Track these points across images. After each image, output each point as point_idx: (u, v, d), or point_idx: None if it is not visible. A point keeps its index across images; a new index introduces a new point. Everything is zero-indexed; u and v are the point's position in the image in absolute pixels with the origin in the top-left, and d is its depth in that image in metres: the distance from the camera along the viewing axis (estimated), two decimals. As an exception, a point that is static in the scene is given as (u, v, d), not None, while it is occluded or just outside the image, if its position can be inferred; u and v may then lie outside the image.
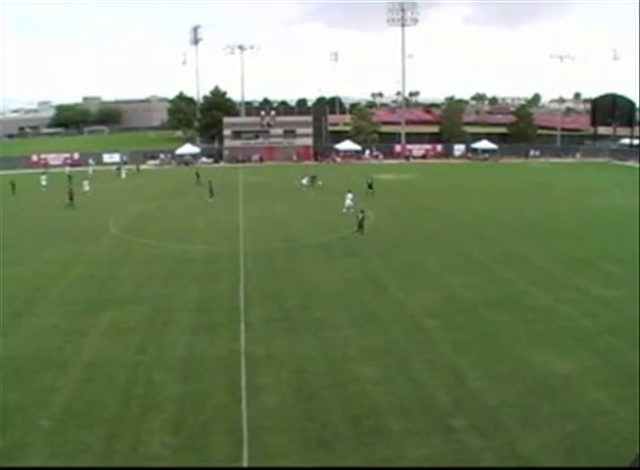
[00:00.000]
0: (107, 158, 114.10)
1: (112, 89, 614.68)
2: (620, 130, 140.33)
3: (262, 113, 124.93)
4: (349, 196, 63.70)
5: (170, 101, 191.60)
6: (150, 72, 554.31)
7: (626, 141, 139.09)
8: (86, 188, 77.64)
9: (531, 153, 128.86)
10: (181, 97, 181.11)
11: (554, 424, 22.89)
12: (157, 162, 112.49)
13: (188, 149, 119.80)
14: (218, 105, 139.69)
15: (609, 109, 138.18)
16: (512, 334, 31.72)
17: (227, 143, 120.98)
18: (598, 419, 23.26)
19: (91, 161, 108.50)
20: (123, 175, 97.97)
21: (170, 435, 21.85)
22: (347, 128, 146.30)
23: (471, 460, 20.61)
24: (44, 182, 78.80)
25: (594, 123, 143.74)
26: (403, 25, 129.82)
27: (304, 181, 73.29)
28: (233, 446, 21.18)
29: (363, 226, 54.80)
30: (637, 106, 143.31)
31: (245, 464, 20.24)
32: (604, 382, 26.29)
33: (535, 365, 27.95)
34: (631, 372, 27.14)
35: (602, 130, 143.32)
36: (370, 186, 75.85)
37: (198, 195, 76.92)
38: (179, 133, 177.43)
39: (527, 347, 30.02)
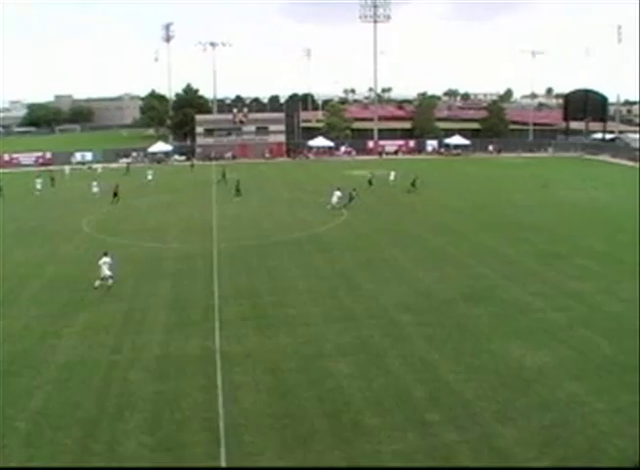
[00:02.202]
0: (79, 157, 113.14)
1: (84, 87, 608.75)
2: (592, 125, 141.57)
3: (235, 110, 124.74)
4: (337, 193, 64.13)
5: (142, 99, 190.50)
6: (122, 70, 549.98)
7: (598, 136, 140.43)
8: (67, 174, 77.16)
9: (489, 148, 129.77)
10: (153, 95, 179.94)
11: (529, 417, 23.19)
12: (129, 160, 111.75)
13: (160, 147, 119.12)
14: (190, 102, 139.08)
15: (581, 104, 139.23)
16: (486, 328, 32.04)
17: (199, 140, 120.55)
18: (574, 411, 23.60)
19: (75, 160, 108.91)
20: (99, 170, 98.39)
21: (147, 434, 21.89)
22: (320, 125, 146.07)
23: (447, 454, 20.82)
24: (95, 189, 76.80)
25: (566, 118, 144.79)
26: (375, 22, 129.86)
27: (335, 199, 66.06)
28: (210, 444, 21.25)
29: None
30: (609, 101, 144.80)
31: (222, 463, 20.32)
32: (578, 374, 26.67)
33: (510, 358, 28.27)
34: (605, 364, 27.63)
35: (574, 125, 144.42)
36: (370, 182, 77.37)
37: (165, 192, 76.74)
38: (151, 131, 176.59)
39: (502, 340, 30.33)
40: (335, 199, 63.84)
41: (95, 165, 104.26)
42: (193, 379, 26.18)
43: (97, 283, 38.19)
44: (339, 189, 65.10)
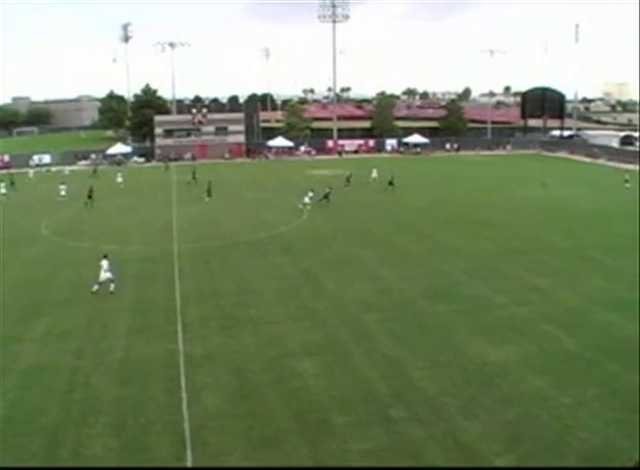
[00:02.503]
0: (37, 159, 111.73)
1: (41, 89, 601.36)
2: (550, 122, 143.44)
3: (194, 110, 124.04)
4: (310, 194, 64.25)
5: (101, 100, 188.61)
6: (80, 71, 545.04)
7: (556, 133, 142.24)
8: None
9: (447, 146, 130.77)
10: (111, 96, 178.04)
11: (494, 411, 23.43)
12: (88, 162, 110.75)
13: (119, 148, 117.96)
14: (149, 103, 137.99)
15: (539, 101, 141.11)
16: (449, 324, 32.30)
17: (159, 142, 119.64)
18: (538, 405, 23.89)
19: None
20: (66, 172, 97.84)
21: (112, 438, 21.71)
22: (280, 125, 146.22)
23: (414, 450, 20.94)
24: (63, 192, 75.53)
25: (524, 116, 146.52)
26: (334, 22, 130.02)
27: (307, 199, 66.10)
28: (176, 446, 21.14)
29: (328, 198, 65.95)
30: (566, 98, 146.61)
31: (189, 465, 20.24)
32: (542, 369, 26.99)
33: (473, 354, 28.52)
34: (568, 358, 28.03)
35: (532, 123, 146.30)
36: (391, 183, 76.62)
37: (129, 194, 76.14)
38: (110, 133, 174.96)
39: (465, 336, 30.61)
40: (307, 199, 63.93)
41: (63, 168, 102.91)
42: (157, 382, 26.00)
43: (95, 287, 37.61)
44: (312, 190, 65.10)
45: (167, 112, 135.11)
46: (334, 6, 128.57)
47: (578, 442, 21.29)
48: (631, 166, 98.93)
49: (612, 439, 21.47)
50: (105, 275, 37.45)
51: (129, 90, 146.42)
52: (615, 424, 22.39)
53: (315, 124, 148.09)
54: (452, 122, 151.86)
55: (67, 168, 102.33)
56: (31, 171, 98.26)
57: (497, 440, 21.51)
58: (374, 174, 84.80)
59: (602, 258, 44.70)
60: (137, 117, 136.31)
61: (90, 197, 69.67)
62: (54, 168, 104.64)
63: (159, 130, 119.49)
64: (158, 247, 49.17)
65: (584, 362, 27.66)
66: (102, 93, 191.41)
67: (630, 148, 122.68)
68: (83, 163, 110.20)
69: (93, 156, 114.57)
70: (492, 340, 30.12)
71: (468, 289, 38.17)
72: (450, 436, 21.76)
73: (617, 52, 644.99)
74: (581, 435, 21.68)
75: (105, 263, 37.69)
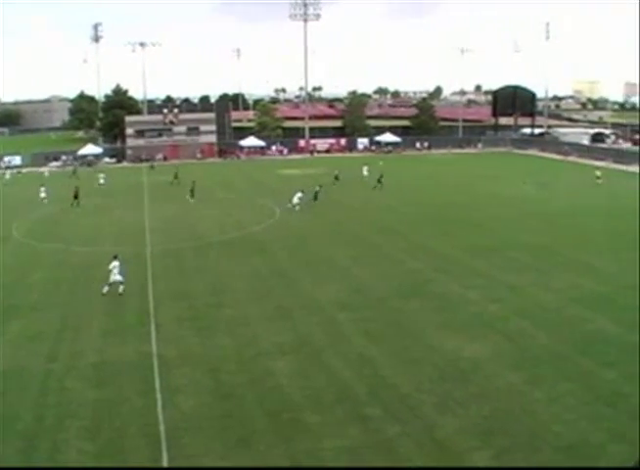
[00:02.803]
0: (7, 161, 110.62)
1: (11, 90, 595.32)
2: (521, 120, 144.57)
3: (165, 110, 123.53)
4: (299, 195, 63.98)
5: (71, 101, 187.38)
6: (50, 72, 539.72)
7: (527, 131, 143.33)
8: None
9: (417, 145, 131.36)
10: (82, 96, 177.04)
11: (469, 407, 23.60)
12: (59, 163, 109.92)
13: (90, 149, 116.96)
14: (120, 103, 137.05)
15: (509, 100, 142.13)
16: (422, 322, 32.47)
17: (130, 142, 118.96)
18: (512, 400, 24.12)
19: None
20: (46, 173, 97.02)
21: (87, 442, 21.58)
22: (251, 124, 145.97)
23: (389, 447, 21.05)
24: (43, 194, 74.09)
25: (495, 114, 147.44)
26: (305, 21, 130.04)
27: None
28: (151, 449, 21.08)
29: (317, 197, 66.25)
30: (537, 96, 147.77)
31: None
32: (515, 364, 27.24)
33: (447, 351, 28.71)
34: (541, 353, 28.31)
35: (503, 121, 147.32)
36: (379, 181, 77.16)
37: (101, 196, 75.61)
38: (81, 133, 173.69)
39: (438, 333, 30.79)
40: (295, 199, 63.66)
41: (42, 169, 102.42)
42: (131, 384, 25.88)
43: (105, 289, 37.41)
44: (302, 191, 64.82)
45: (138, 112, 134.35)
46: (305, 5, 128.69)
47: (553, 436, 21.50)
48: (602, 163, 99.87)
49: (586, 432, 21.73)
50: (115, 277, 37.17)
51: (100, 90, 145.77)
52: (588, 418, 22.67)
53: (287, 124, 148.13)
54: (424, 121, 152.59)
55: (46, 170, 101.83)
56: (8, 173, 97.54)
57: (472, 435, 21.67)
58: (365, 172, 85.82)
59: (572, 255, 45.09)
60: (108, 117, 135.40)
61: (76, 197, 69.31)
62: (24, 170, 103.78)
63: (130, 131, 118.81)
64: (130, 248, 48.89)
65: (557, 357, 27.94)
66: (72, 94, 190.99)
67: (601, 145, 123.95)
68: (54, 164, 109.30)
69: (64, 157, 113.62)
70: (466, 336, 30.32)
71: (441, 286, 38.40)
72: (426, 432, 21.88)
73: (588, 50, 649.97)
74: (556, 429, 21.90)
75: (115, 264, 37.34)
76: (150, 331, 31.57)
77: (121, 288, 37.30)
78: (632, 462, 18.86)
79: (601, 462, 20.02)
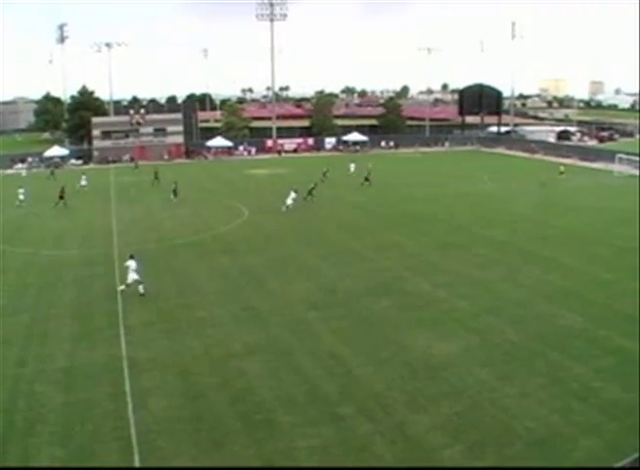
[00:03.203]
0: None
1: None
2: (488, 119, 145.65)
3: (131, 111, 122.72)
4: (293, 195, 63.61)
5: (37, 102, 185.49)
6: (15, 73, 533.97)
7: (494, 129, 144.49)
8: None
9: (384, 144, 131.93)
10: (48, 98, 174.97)
11: (440, 404, 23.74)
12: (25, 166, 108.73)
13: (56, 151, 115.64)
14: (86, 105, 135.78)
15: (476, 98, 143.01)
16: (392, 320, 32.58)
17: (96, 143, 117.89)
18: (483, 397, 24.28)
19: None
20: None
21: (58, 447, 21.37)
22: (218, 125, 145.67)
23: (362, 445, 21.09)
24: (22, 196, 72.86)
25: (462, 113, 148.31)
26: (272, 21, 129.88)
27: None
28: (123, 452, 20.93)
29: (313, 193, 67.06)
30: (503, 95, 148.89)
31: (136, 470, 20.10)
32: (486, 361, 27.42)
33: (418, 349, 28.83)
34: (512, 350, 28.53)
35: (470, 119, 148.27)
36: (367, 178, 78.21)
37: (85, 197, 74.87)
38: (47, 135, 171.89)
39: (409, 331, 30.91)
40: (289, 201, 63.24)
41: (20, 170, 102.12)
42: (101, 388, 25.65)
43: (121, 287, 37.45)
44: (295, 191, 64.33)
45: (105, 113, 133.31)
46: (272, 5, 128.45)
47: (525, 430, 21.68)
48: (569, 161, 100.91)
49: (557, 426, 21.98)
50: (133, 276, 36.93)
51: (66, 92, 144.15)
52: (559, 412, 22.91)
53: (254, 124, 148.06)
54: (391, 120, 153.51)
55: (23, 171, 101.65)
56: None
57: (445, 431, 21.80)
58: (352, 169, 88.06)
59: (539, 251, 45.49)
60: (74, 118, 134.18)
61: (62, 197, 68.95)
62: (20, 170, 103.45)
63: (96, 132, 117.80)
64: (97, 250, 48.54)
65: (527, 353, 28.16)
66: (38, 95, 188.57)
67: (567, 143, 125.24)
68: (20, 166, 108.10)
69: (30, 159, 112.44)
70: (436, 334, 30.47)
71: (410, 284, 38.53)
72: (398, 430, 21.98)
73: (553, 49, 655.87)
74: (527, 424, 22.09)
75: (132, 264, 37.19)
76: (119, 334, 31.32)
77: (141, 287, 37.03)
78: (633, 460, 19.04)
79: (573, 456, 20.22)
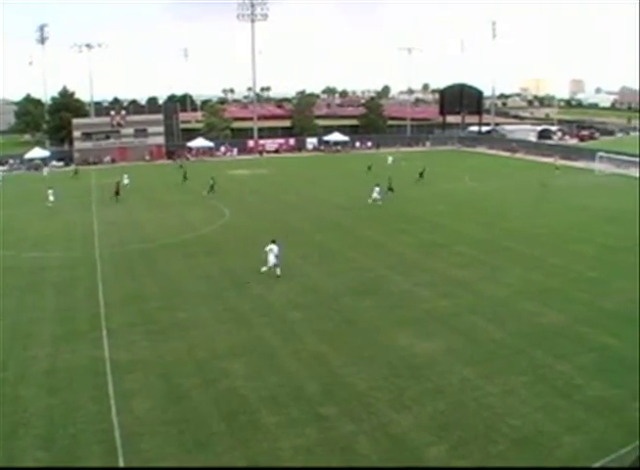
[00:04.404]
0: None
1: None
2: (468, 118, 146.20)
3: (112, 112, 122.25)
4: (377, 189, 65.55)
5: (17, 103, 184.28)
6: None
7: (475, 128, 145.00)
8: None
9: (366, 144, 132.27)
10: (28, 99, 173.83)
11: (424, 403, 23.81)
12: (5, 168, 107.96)
13: (37, 153, 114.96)
14: (67, 106, 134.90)
15: (456, 98, 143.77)
16: (374, 319, 32.62)
17: (77, 145, 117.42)
18: (467, 395, 24.37)
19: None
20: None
21: (42, 450, 21.24)
22: (200, 125, 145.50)
23: (346, 445, 21.11)
24: (52, 197, 70.35)
25: (442, 113, 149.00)
26: (253, 21, 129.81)
27: None
28: (107, 455, 20.84)
29: (392, 189, 69.39)
30: (484, 94, 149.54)
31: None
32: (469, 359, 27.51)
33: (400, 348, 28.86)
34: (494, 348, 28.65)
35: (450, 119, 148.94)
36: (421, 175, 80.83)
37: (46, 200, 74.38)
38: (27, 137, 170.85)
39: (391, 331, 30.94)
40: (375, 194, 65.50)
41: (42, 170, 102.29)
42: (84, 391, 25.50)
43: (263, 269, 40.20)
44: (377, 185, 66.06)
45: (86, 114, 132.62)
46: (252, 5, 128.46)
47: (509, 428, 21.78)
48: (549, 159, 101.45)
49: (541, 424, 22.08)
50: (272, 260, 39.87)
51: (46, 93, 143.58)
52: (543, 410, 23.04)
53: (236, 124, 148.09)
54: (372, 120, 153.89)
55: (45, 170, 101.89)
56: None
57: (428, 430, 21.86)
58: (389, 161, 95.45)
59: (522, 249, 45.68)
60: (55, 120, 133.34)
61: (117, 193, 71.62)
62: (43, 169, 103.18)
63: (77, 133, 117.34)
64: (79, 252, 48.30)
65: (510, 351, 28.28)
66: (18, 96, 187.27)
67: (548, 141, 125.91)
68: (1, 168, 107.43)
69: (11, 161, 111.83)
70: (418, 333, 30.53)
71: (392, 284, 38.60)
72: (381, 429, 22.02)
73: (534, 48, 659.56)
74: (511, 421, 22.19)
75: (274, 248, 40.03)
76: (102, 336, 31.16)
77: (278, 270, 39.76)
78: (630, 461, 19.13)
79: (557, 453, 20.32)
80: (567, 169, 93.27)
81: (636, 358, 26.73)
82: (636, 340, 28.67)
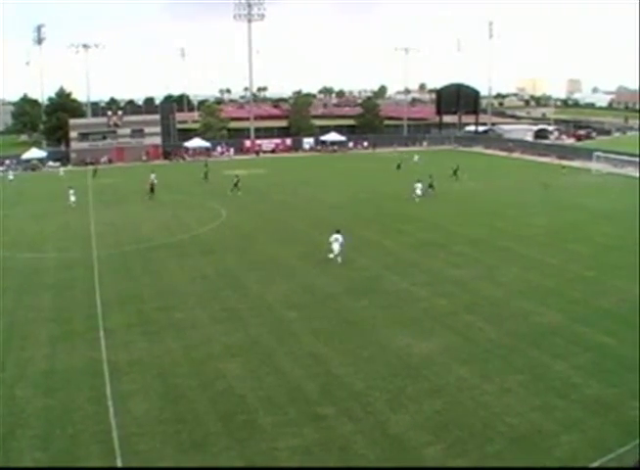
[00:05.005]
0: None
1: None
2: (465, 118, 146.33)
3: (109, 113, 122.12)
4: (419, 185, 68.02)
5: (14, 104, 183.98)
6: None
7: (471, 128, 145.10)
8: None
9: (363, 144, 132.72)
10: (25, 99, 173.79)
11: (421, 402, 23.82)
12: (2, 168, 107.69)
13: (34, 153, 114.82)
14: (64, 106, 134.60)
15: (453, 98, 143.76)
16: (371, 319, 32.61)
17: (74, 145, 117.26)
18: (464, 394, 24.40)
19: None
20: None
21: (40, 451, 21.22)
22: (196, 126, 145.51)
23: (343, 445, 21.10)
24: (73, 197, 70.35)
25: (439, 112, 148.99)
26: (250, 21, 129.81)
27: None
28: (105, 456, 20.82)
29: (433, 186, 70.93)
30: (481, 94, 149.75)
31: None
32: (466, 358, 27.52)
33: (398, 347, 28.87)
34: (491, 347, 28.66)
35: (447, 119, 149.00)
36: (455, 172, 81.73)
37: (40, 201, 74.38)
38: (24, 137, 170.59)
39: (388, 330, 30.95)
40: (418, 191, 67.52)
41: (57, 169, 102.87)
42: (82, 391, 25.47)
43: (330, 255, 43.06)
44: (419, 181, 67.85)
45: (82, 115, 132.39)
46: (249, 5, 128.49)
47: (506, 427, 21.80)
48: (546, 159, 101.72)
49: (538, 423, 22.10)
50: (337, 248, 42.93)
51: (43, 93, 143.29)
52: (540, 409, 23.07)
53: (232, 124, 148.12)
54: (369, 120, 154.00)
55: (61, 169, 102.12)
56: (11, 173, 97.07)
57: (426, 429, 21.87)
58: (415, 159, 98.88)
59: (518, 249, 45.74)
60: (51, 120, 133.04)
61: (152, 190, 73.74)
62: (59, 169, 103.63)
63: (74, 134, 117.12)
64: (76, 253, 48.25)
65: (507, 350, 28.30)
66: (15, 97, 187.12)
67: (544, 141, 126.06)
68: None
69: (7, 161, 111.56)
70: (416, 332, 30.54)
71: (389, 283, 38.62)
72: (379, 429, 22.03)
73: (531, 48, 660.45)
74: (508, 420, 22.22)
75: (339, 237, 43.03)
76: (99, 337, 31.13)
77: (339, 258, 42.72)
78: (632, 462, 19.14)
79: (555, 452, 20.33)
80: (568, 170, 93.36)
81: (633, 358, 26.80)
82: (633, 339, 28.75)
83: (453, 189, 74.40)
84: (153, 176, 79.71)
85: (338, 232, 43.12)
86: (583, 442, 20.87)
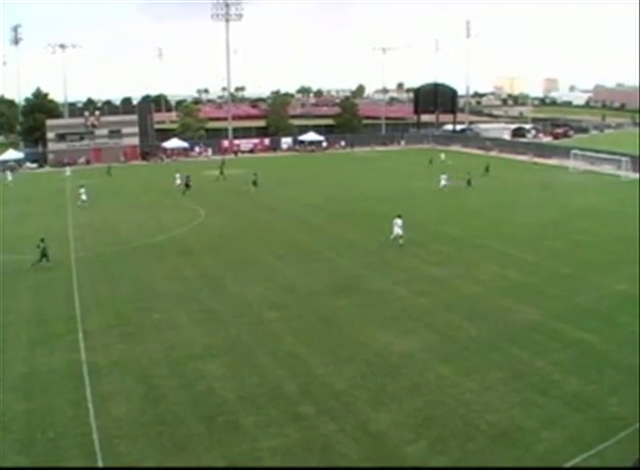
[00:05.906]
0: None
1: None
2: (443, 117, 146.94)
3: (86, 113, 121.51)
4: (445, 176, 73.09)
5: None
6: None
7: (449, 127, 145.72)
8: None
9: (341, 143, 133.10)
10: (1, 100, 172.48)
11: (402, 400, 23.88)
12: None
13: (11, 154, 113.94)
14: (40, 107, 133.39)
15: (431, 97, 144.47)
16: (351, 318, 32.66)
17: (51, 146, 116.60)
18: (445, 392, 24.47)
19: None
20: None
21: (21, 455, 21.07)
22: (174, 126, 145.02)
23: (325, 444, 21.14)
24: (84, 196, 70.14)
25: (417, 112, 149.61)
26: (227, 21, 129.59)
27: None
28: (86, 458, 20.68)
29: (470, 183, 74.74)
30: (458, 93, 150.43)
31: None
32: (446, 356, 27.62)
33: (378, 346, 28.92)
34: (471, 345, 28.78)
35: (425, 118, 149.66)
36: (487, 169, 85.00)
37: (21, 202, 73.96)
38: (1, 138, 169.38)
39: (368, 329, 31.00)
40: (444, 182, 72.75)
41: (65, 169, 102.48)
42: (62, 394, 25.31)
43: (392, 236, 46.73)
44: (444, 173, 73.20)
45: (59, 115, 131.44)
46: (227, 5, 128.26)
47: (486, 424, 21.87)
48: (524, 157, 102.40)
49: (519, 419, 22.21)
50: (398, 231, 46.25)
51: (20, 94, 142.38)
52: (520, 405, 23.18)
53: (210, 124, 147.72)
54: (347, 119, 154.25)
55: (68, 169, 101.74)
56: (9, 174, 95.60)
57: (407, 427, 21.93)
58: (442, 157, 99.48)
59: (496, 247, 45.97)
60: (28, 121, 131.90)
61: (188, 185, 75.32)
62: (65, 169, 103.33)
63: (51, 135, 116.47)
64: (54, 254, 47.71)
65: (486, 347, 28.43)
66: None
67: (522, 140, 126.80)
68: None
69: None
70: (395, 331, 30.60)
71: (368, 282, 38.70)
72: (361, 427, 22.05)
73: (508, 47, 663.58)
74: (489, 418, 22.30)
75: (399, 222, 46.39)
76: (78, 339, 30.94)
77: (401, 240, 46.27)
78: (631, 462, 19.22)
79: (536, 448, 20.45)
80: (540, 167, 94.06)
81: (612, 354, 27.04)
82: (612, 335, 29.05)
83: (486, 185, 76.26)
84: (178, 177, 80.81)
85: (399, 217, 46.57)
86: (564, 438, 20.98)
